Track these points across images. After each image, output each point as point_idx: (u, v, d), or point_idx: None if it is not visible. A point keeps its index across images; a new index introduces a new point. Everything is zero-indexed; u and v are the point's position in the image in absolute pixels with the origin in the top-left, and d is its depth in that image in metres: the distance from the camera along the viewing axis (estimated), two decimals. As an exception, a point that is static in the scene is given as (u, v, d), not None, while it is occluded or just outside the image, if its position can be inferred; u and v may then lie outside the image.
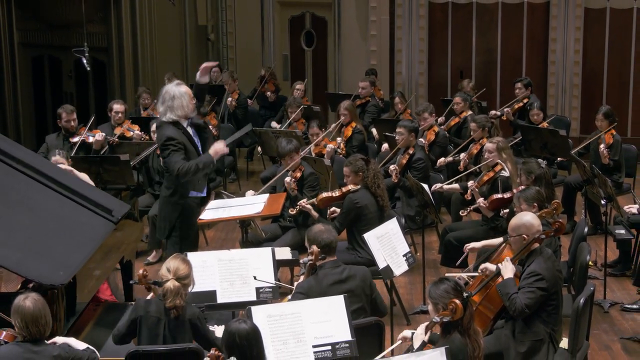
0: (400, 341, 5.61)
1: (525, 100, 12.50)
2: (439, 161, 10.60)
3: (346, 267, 6.29)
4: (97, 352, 5.57)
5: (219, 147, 7.68)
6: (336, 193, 8.40)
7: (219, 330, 5.99)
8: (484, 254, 7.51)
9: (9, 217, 6.63)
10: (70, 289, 6.36)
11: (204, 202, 7.95)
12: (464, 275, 6.94)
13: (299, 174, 8.85)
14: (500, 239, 7.58)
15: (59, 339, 5.49)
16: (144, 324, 5.75)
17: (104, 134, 10.29)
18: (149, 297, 5.89)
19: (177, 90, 7.57)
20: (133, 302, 6.39)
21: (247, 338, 4.73)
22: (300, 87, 13.47)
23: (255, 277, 6.51)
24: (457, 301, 5.11)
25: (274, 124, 13.10)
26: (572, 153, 10.20)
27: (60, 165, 8.29)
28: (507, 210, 8.11)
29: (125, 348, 5.76)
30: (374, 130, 12.20)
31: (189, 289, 5.85)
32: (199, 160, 7.57)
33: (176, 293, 5.66)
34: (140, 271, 5.94)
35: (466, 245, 7.75)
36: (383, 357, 5.38)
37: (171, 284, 5.67)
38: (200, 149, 7.77)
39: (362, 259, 7.75)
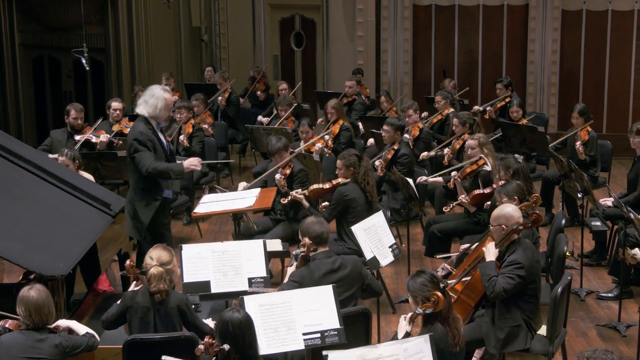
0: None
1: (507, 100, 12.52)
2: (421, 155, 10.60)
3: (338, 257, 6.29)
4: (96, 336, 5.58)
5: (193, 163, 7.58)
6: (326, 185, 8.42)
7: (212, 324, 6.01)
8: (467, 244, 7.52)
9: (11, 211, 6.62)
10: (69, 280, 6.36)
11: (173, 201, 7.85)
12: (448, 266, 6.96)
13: (288, 171, 8.85)
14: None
15: (62, 322, 5.51)
16: (133, 314, 5.75)
17: (108, 136, 10.30)
18: (136, 288, 5.89)
19: (159, 93, 7.51)
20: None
21: (240, 327, 4.72)
22: (284, 87, 13.50)
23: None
24: (439, 293, 5.13)
25: (259, 118, 13.12)
26: (550, 148, 10.22)
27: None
28: (489, 203, 8.12)
29: (122, 337, 5.76)
30: (360, 124, 12.22)
31: (175, 276, 5.86)
32: (171, 166, 7.46)
33: (159, 277, 5.68)
34: (127, 262, 5.95)
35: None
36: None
37: (154, 269, 5.69)
38: (166, 149, 7.65)
39: (350, 249, 7.76)
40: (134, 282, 5.94)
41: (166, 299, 5.73)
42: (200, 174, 10.95)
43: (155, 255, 5.76)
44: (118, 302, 5.90)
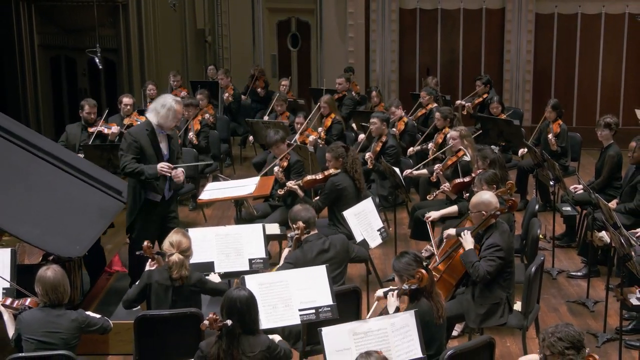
0: (376, 302, 5.60)
1: (484, 96, 12.49)
2: (409, 150, 10.59)
3: (327, 238, 6.40)
4: (110, 321, 5.59)
5: (165, 168, 7.01)
6: (319, 176, 8.41)
7: (214, 277, 6.14)
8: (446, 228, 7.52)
9: (31, 198, 6.61)
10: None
11: (166, 204, 7.29)
12: (431, 248, 6.96)
13: (285, 163, 8.82)
14: (455, 207, 7.99)
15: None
16: (152, 292, 5.74)
17: (119, 127, 10.27)
18: (152, 268, 5.87)
19: (171, 104, 7.07)
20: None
21: (246, 303, 4.73)
22: (285, 83, 13.46)
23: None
24: (423, 270, 5.14)
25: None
26: (529, 143, 10.21)
27: None
28: (468, 194, 8.12)
29: (133, 313, 5.76)
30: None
31: (191, 259, 5.86)
32: (146, 168, 6.98)
33: (181, 265, 5.67)
34: (145, 243, 5.92)
35: (426, 215, 7.80)
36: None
37: (176, 257, 5.66)
38: (164, 155, 7.17)
39: (342, 233, 7.75)
40: (150, 262, 5.93)
41: (186, 281, 5.74)
42: (205, 165, 10.91)
43: (176, 242, 5.71)
44: (137, 283, 5.88)
